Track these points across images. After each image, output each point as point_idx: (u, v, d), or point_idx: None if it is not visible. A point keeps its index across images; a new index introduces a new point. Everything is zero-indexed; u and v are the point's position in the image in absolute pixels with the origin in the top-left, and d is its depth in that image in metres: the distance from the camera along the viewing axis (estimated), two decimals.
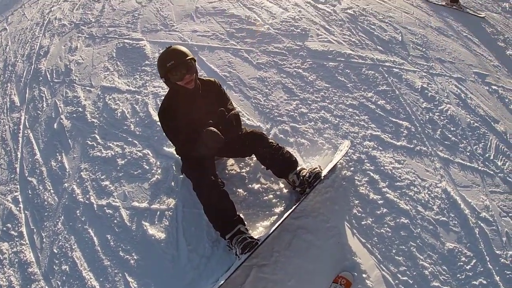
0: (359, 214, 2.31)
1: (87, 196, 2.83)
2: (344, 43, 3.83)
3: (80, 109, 3.75)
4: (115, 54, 4.44)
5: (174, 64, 2.14)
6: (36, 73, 4.87)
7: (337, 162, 2.48)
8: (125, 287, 2.26)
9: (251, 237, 2.06)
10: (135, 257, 2.36)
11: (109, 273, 2.34)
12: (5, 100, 4.67)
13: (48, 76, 4.62)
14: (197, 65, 2.33)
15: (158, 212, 2.55)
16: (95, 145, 3.24)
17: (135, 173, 2.87)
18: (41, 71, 4.85)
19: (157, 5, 5.22)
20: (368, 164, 2.59)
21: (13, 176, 3.38)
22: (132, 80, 3.89)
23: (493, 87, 3.43)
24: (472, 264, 2.14)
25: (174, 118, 2.27)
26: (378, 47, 3.79)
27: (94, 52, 4.68)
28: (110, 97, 3.74)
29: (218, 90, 2.47)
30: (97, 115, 3.58)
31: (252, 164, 2.68)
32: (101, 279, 2.33)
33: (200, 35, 4.31)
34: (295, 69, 3.55)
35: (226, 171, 2.68)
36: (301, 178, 2.28)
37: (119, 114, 3.47)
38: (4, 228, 2.93)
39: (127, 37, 4.70)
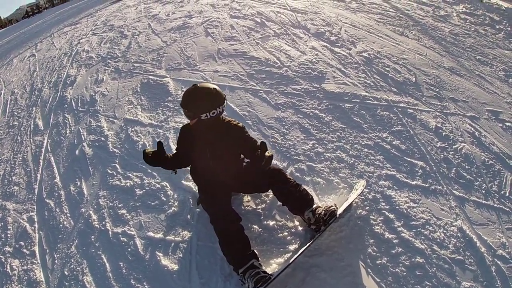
0: (374, 253, 2.27)
1: (103, 222, 2.88)
2: (360, 85, 3.93)
3: (102, 138, 3.89)
4: (139, 89, 4.66)
5: (219, 112, 2.28)
6: (62, 100, 5.11)
7: (353, 201, 2.49)
8: None
9: (265, 272, 2.06)
10: (146, 286, 2.34)
11: None
12: (29, 123, 4.87)
13: (73, 104, 4.84)
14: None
15: (173, 244, 2.56)
16: (115, 174, 3.33)
17: (152, 204, 2.92)
18: (66, 99, 5.09)
19: (181, 45, 5.52)
20: (383, 204, 2.58)
21: (30, 196, 3.47)
22: (154, 114, 4.05)
23: (507, 123, 3.40)
24: None
25: (185, 140, 2.49)
26: (392, 88, 3.87)
27: (119, 86, 4.91)
28: (133, 129, 3.89)
29: (242, 134, 2.42)
30: (118, 146, 3.71)
31: (268, 201, 2.70)
32: None
33: (221, 75, 4.51)
34: (312, 110, 3.63)
35: (242, 207, 2.70)
36: (317, 216, 2.28)
37: (140, 146, 3.58)
38: (17, 246, 2.97)
39: (151, 73, 4.95)
